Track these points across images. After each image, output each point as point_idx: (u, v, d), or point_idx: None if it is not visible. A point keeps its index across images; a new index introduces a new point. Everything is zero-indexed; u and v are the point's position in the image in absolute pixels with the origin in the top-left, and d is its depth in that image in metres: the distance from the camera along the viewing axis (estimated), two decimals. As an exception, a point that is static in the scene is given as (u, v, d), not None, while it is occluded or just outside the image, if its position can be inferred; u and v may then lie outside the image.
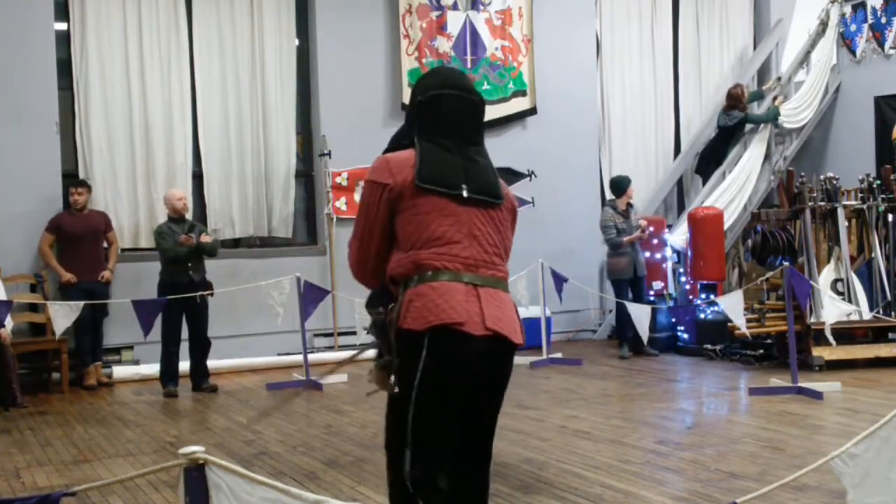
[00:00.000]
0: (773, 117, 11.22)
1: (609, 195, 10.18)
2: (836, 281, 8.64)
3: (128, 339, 8.79)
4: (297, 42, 10.17)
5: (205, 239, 8.28)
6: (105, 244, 8.77)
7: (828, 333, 7.52)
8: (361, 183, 10.01)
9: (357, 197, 10.05)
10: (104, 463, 5.72)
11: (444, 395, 2.85)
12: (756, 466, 5.13)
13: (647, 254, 10.06)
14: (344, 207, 9.95)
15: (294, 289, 8.50)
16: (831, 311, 7.63)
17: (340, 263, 9.43)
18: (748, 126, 11.27)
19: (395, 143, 3.18)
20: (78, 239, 8.53)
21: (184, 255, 8.15)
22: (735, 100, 11.14)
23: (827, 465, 3.06)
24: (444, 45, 10.52)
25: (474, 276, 2.89)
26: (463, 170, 2.96)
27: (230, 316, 9.14)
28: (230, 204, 9.71)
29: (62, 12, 9.06)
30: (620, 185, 9.86)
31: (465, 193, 2.92)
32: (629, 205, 9.89)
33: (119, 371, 8.88)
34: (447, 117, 2.99)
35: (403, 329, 2.85)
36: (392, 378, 2.94)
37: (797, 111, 11.60)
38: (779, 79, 11.93)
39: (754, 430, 6.09)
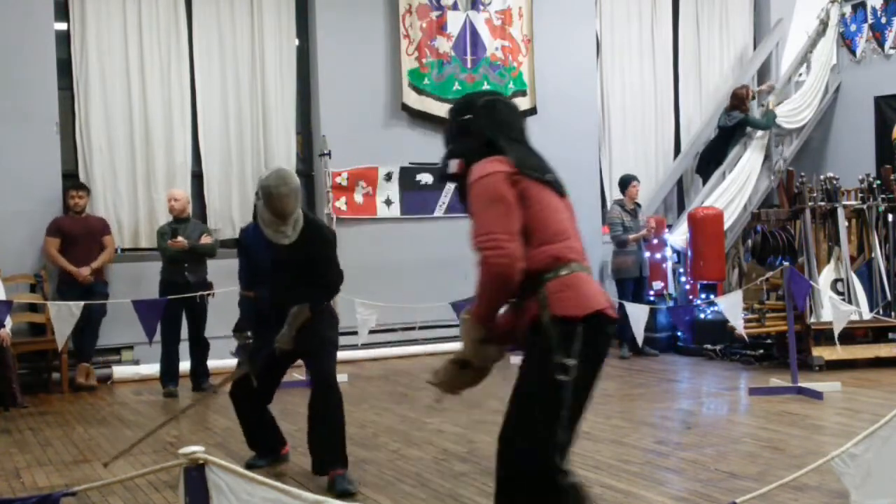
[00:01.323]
0: (771, 123, 11.22)
1: (618, 194, 10.21)
2: (836, 281, 8.65)
3: (128, 339, 8.77)
4: (297, 42, 10.17)
5: (204, 240, 8.32)
6: (102, 248, 8.76)
7: (836, 339, 7.51)
8: (363, 183, 10.10)
9: (358, 197, 10.04)
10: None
11: (593, 378, 2.95)
12: (756, 466, 5.13)
13: (648, 254, 10.07)
14: (344, 207, 9.95)
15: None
16: (836, 315, 7.60)
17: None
18: (748, 127, 11.28)
19: (464, 154, 3.13)
20: (75, 241, 8.52)
21: (179, 256, 8.20)
22: (739, 100, 11.13)
23: (827, 465, 3.07)
24: (444, 45, 10.52)
25: (585, 267, 3.04)
26: (540, 161, 3.16)
27: (230, 316, 9.07)
28: (230, 204, 9.71)
29: (62, 12, 9.06)
30: (621, 183, 9.92)
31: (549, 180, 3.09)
32: (637, 204, 9.91)
33: (119, 371, 8.87)
34: (508, 116, 3.23)
35: (559, 316, 2.87)
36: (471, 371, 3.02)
37: (797, 111, 11.60)
38: (772, 86, 11.92)
39: (754, 430, 6.08)
